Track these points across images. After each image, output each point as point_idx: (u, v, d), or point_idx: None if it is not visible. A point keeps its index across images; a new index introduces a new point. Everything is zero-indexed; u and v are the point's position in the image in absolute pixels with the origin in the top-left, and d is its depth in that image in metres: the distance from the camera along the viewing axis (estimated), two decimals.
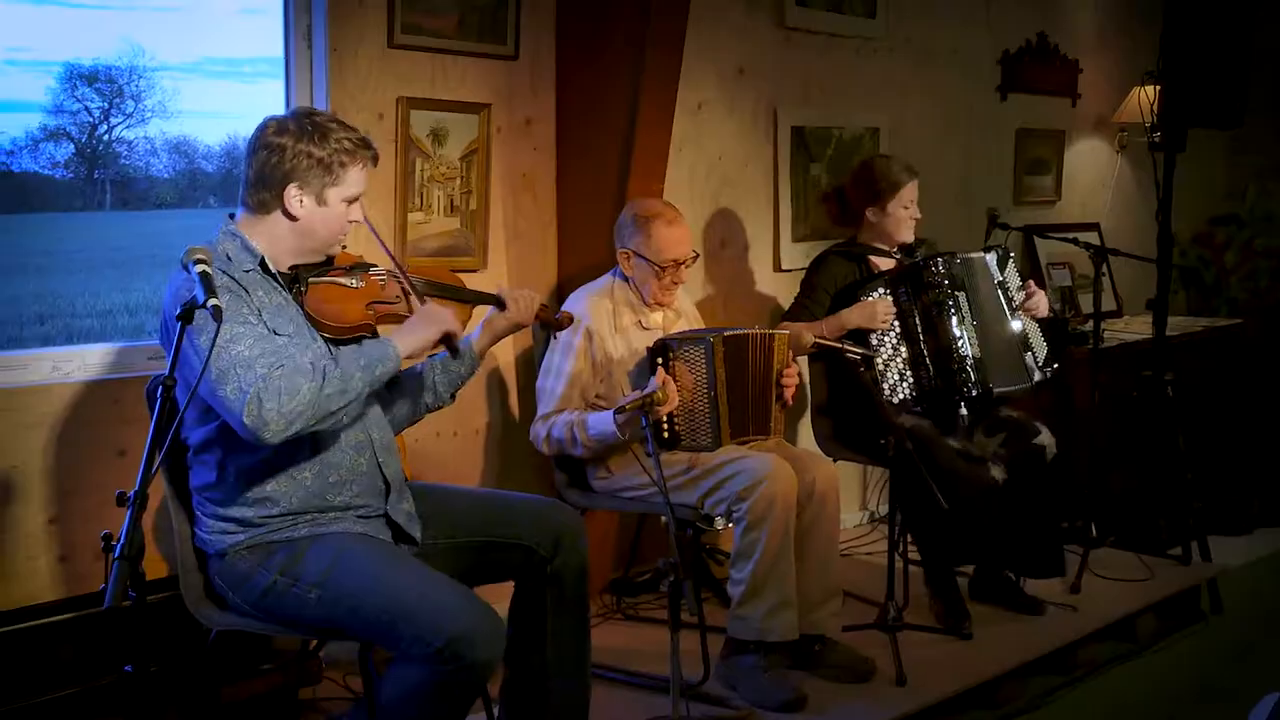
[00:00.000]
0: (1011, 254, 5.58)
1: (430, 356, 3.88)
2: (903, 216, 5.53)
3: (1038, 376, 5.45)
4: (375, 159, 3.65)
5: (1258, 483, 7.56)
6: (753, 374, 4.78)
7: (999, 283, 5.45)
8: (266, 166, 3.51)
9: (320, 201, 3.54)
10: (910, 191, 5.52)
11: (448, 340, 3.61)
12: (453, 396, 3.98)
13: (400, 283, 3.67)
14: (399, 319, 3.66)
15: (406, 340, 3.52)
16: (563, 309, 4.33)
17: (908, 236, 5.56)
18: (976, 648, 5.06)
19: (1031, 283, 5.51)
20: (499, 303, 3.91)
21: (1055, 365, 5.52)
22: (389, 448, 3.71)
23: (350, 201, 3.60)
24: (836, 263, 5.58)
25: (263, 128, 3.55)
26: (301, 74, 4.84)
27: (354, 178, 3.58)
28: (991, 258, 5.49)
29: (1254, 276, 8.62)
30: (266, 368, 3.29)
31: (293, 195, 3.52)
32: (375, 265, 3.74)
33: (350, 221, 3.63)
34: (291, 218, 3.54)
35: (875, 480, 6.92)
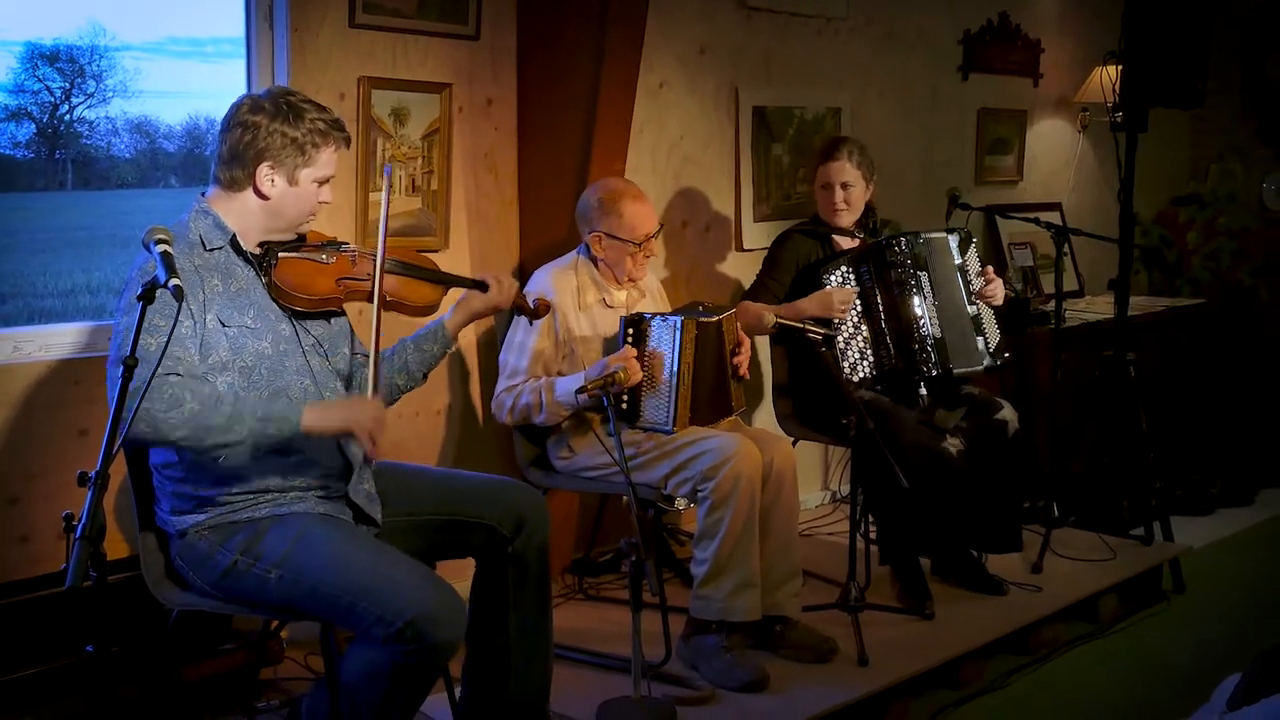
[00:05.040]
0: (974, 238, 5.58)
1: (403, 339, 3.89)
2: (822, 196, 5.52)
3: (987, 362, 5.46)
4: (348, 142, 3.67)
5: (1220, 463, 7.60)
6: (718, 360, 4.79)
7: (959, 265, 5.46)
8: (240, 144, 3.52)
9: (292, 181, 3.56)
10: (830, 172, 5.47)
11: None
12: (425, 376, 3.98)
13: (371, 261, 3.67)
14: (366, 296, 3.67)
15: (316, 417, 3.44)
16: (536, 295, 4.32)
17: (832, 219, 5.52)
18: (938, 628, 5.08)
19: (990, 269, 5.48)
20: (481, 286, 3.95)
21: (1007, 354, 5.53)
22: None
23: (321, 183, 3.61)
24: (799, 240, 5.56)
25: (238, 105, 3.57)
26: (263, 54, 4.82)
27: (326, 159, 3.60)
28: (953, 239, 5.49)
29: (1216, 256, 8.65)
30: (165, 370, 3.27)
31: (264, 174, 3.53)
32: (346, 243, 3.76)
33: (320, 202, 3.64)
34: (262, 196, 3.56)
35: (837, 460, 6.94)
